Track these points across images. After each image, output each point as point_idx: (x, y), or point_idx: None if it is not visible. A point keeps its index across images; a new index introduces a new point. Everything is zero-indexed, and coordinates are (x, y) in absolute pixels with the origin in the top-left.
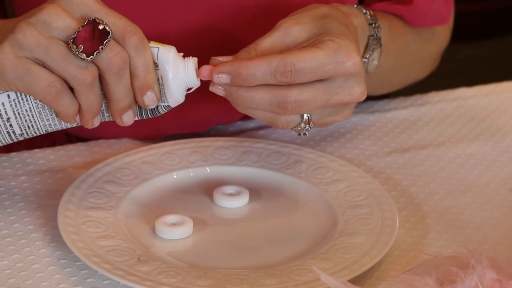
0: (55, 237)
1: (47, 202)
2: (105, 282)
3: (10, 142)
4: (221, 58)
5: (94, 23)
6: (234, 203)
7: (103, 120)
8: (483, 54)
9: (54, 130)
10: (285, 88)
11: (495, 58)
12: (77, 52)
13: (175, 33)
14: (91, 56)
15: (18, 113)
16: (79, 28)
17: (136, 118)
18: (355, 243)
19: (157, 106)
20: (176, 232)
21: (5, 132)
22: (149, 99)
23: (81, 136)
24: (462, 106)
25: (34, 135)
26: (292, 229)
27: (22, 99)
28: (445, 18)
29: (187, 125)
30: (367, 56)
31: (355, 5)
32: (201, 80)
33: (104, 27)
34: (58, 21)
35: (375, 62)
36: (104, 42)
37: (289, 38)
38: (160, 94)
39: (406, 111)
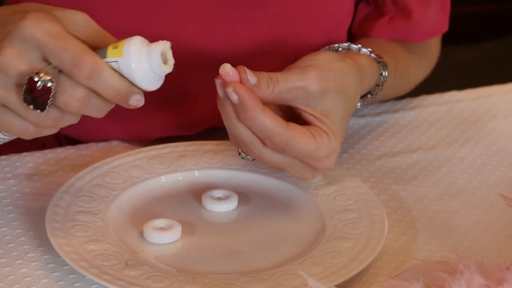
0: (43, 241)
1: (35, 206)
2: (93, 286)
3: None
4: (248, 75)
5: (33, 81)
6: (222, 207)
7: None
8: (476, 56)
9: None
10: (263, 144)
11: (488, 60)
12: (30, 109)
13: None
14: (46, 109)
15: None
16: (24, 87)
17: None
18: (343, 248)
19: None
20: (164, 236)
21: (13, 137)
22: (135, 102)
23: (71, 136)
24: (452, 110)
25: None
26: (281, 233)
27: None
28: (443, 26)
29: (179, 127)
30: (357, 105)
31: (380, 61)
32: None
33: (44, 82)
34: (10, 70)
35: (361, 107)
36: (51, 95)
37: (305, 94)
38: (140, 89)
39: (396, 115)
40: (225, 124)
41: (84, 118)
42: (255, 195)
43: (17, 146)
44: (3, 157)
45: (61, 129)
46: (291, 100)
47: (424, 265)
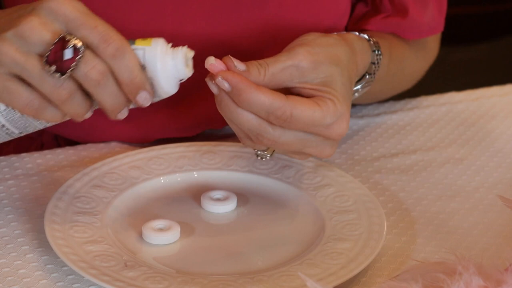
0: (42, 242)
1: (34, 206)
2: (92, 287)
3: (11, 139)
4: (235, 62)
5: (63, 41)
6: (221, 208)
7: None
8: (475, 57)
9: (51, 125)
10: (270, 125)
11: (487, 61)
12: (50, 72)
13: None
14: (66, 74)
15: (12, 120)
16: (51, 46)
17: (132, 107)
18: (342, 249)
19: None
20: (163, 237)
21: (4, 133)
22: (142, 99)
23: (71, 138)
24: (451, 111)
25: (33, 131)
26: (280, 234)
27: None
28: (438, 26)
29: (178, 129)
30: (358, 87)
31: (370, 39)
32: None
33: (74, 44)
34: (34, 36)
35: (363, 91)
36: (77, 58)
37: (298, 71)
38: (152, 89)
39: (395, 116)
40: (227, 120)
41: (82, 121)
42: (254, 196)
43: (16, 146)
44: (2, 157)
45: (61, 130)
46: (286, 80)
47: (423, 266)
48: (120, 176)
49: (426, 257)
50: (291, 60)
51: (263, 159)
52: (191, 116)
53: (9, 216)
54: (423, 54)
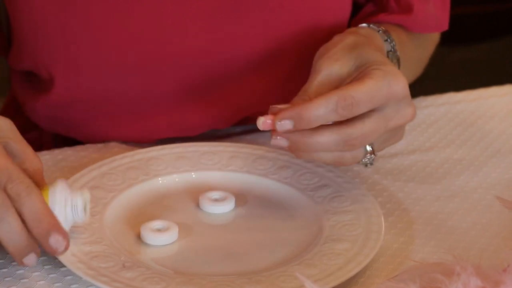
0: None
1: None
2: None
3: None
4: (279, 106)
5: None
6: (220, 208)
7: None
8: (474, 57)
9: None
10: (348, 125)
11: (486, 61)
12: None
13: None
14: None
15: None
16: None
17: None
18: (340, 249)
19: None
20: (161, 238)
21: None
22: (54, 242)
23: (73, 137)
24: (450, 111)
25: None
26: (278, 235)
27: None
28: (443, 24)
29: (179, 129)
30: None
31: (370, 25)
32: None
33: None
34: None
35: None
36: None
37: (332, 77)
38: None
39: None
40: (314, 156)
41: (84, 121)
42: (252, 196)
43: None
44: None
45: (62, 130)
46: (329, 89)
47: (421, 266)
48: (118, 176)
49: (425, 258)
50: (320, 73)
51: (369, 165)
52: (194, 117)
53: None
54: (425, 43)
